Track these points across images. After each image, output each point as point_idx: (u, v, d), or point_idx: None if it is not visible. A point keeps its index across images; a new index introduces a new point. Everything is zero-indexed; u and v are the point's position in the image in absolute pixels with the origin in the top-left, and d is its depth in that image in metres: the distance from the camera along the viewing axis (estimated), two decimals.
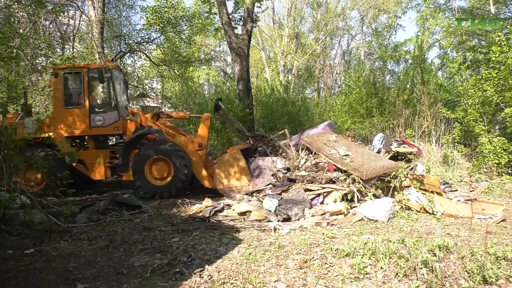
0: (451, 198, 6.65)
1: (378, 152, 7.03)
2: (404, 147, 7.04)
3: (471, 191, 7.46)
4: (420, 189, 6.14)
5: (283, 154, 7.99)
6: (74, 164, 7.94)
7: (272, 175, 7.33)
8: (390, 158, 6.78)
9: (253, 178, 7.82)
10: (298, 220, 5.48)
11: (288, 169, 7.07)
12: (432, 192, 6.19)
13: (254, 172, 7.92)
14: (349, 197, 5.82)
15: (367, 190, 5.86)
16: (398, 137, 8.60)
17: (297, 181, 6.53)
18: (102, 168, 8.05)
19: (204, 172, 7.95)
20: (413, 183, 6.14)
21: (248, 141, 8.87)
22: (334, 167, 6.47)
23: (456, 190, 7.60)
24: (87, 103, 8.03)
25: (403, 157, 6.84)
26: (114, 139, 10.20)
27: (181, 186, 7.60)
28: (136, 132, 7.94)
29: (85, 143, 8.49)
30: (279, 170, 7.17)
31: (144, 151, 7.67)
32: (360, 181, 5.88)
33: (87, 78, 8.05)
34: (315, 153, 7.11)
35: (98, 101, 8.80)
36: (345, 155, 6.39)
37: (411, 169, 6.39)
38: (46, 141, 7.67)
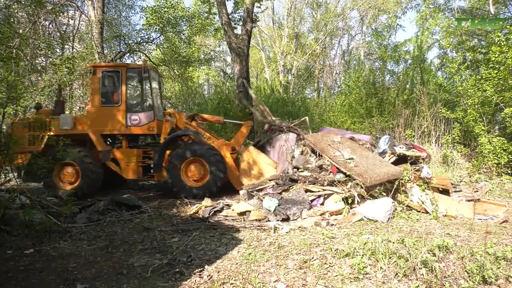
0: (454, 198, 6.63)
1: (383, 152, 6.97)
2: (413, 151, 6.95)
3: (475, 191, 7.44)
4: (426, 183, 6.10)
5: (302, 142, 7.97)
6: (107, 163, 7.98)
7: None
8: (397, 161, 6.71)
9: (276, 161, 7.85)
10: (296, 220, 5.48)
11: (297, 168, 7.06)
12: (440, 189, 6.18)
13: (274, 154, 7.96)
14: (349, 201, 5.80)
15: (368, 197, 5.82)
16: (407, 141, 8.52)
17: (299, 181, 6.52)
18: (134, 167, 8.03)
19: (236, 175, 8.00)
20: (418, 182, 6.11)
21: (263, 128, 8.82)
22: (337, 169, 6.43)
23: (460, 191, 7.59)
24: (124, 102, 8.03)
25: (410, 160, 6.75)
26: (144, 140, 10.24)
27: (216, 188, 7.55)
28: (172, 133, 7.98)
29: (117, 142, 8.46)
30: (290, 162, 7.18)
31: (181, 152, 7.65)
32: (363, 186, 5.84)
33: (125, 77, 8.05)
34: (319, 154, 7.07)
35: (135, 100, 8.86)
36: (350, 159, 6.29)
37: (417, 170, 6.35)
38: (81, 138, 7.82)
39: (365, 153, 6.65)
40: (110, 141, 8.51)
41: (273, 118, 9.07)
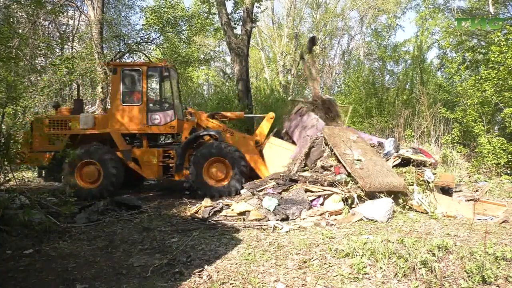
0: (454, 198, 6.62)
1: (388, 154, 6.94)
2: (420, 155, 6.89)
3: (475, 191, 7.43)
4: (427, 183, 6.08)
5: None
6: (127, 162, 7.97)
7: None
8: (401, 163, 6.71)
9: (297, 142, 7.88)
10: (295, 219, 5.48)
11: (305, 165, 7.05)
12: (443, 187, 6.17)
13: (295, 133, 7.98)
14: (349, 202, 5.80)
15: (364, 197, 5.80)
16: (416, 146, 8.45)
17: (299, 181, 6.52)
18: (155, 166, 8.00)
19: (262, 168, 8.00)
20: (419, 182, 6.10)
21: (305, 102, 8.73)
22: (339, 170, 6.42)
23: (460, 191, 7.59)
24: (145, 101, 8.00)
25: (413, 163, 6.71)
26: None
27: (239, 188, 7.53)
28: (192, 132, 7.97)
29: (136, 141, 8.44)
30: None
31: (204, 152, 7.63)
32: (363, 190, 5.84)
33: (146, 76, 8.01)
34: (331, 149, 7.01)
35: (156, 99, 8.78)
36: (358, 160, 6.26)
37: (420, 172, 6.31)
38: (102, 137, 7.84)
39: (375, 158, 6.51)
40: (129, 140, 8.48)
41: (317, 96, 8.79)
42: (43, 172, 8.15)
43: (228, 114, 9.01)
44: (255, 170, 8.03)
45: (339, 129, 7.55)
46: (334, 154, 6.80)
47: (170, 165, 8.03)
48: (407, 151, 6.98)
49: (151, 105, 8.23)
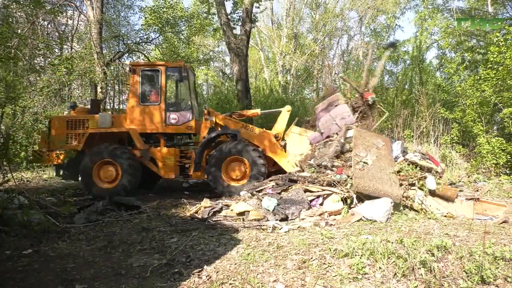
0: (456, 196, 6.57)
1: (396, 158, 6.92)
2: (427, 162, 6.87)
3: (476, 191, 7.43)
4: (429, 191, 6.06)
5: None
6: (145, 162, 8.01)
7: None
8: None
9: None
10: (294, 219, 5.48)
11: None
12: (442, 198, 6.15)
13: (320, 119, 7.94)
14: (348, 201, 5.80)
15: (364, 198, 5.79)
16: (424, 151, 8.39)
17: (298, 181, 6.52)
18: (172, 166, 8.03)
19: (286, 161, 7.99)
20: (420, 187, 6.08)
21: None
22: (342, 171, 6.42)
23: (461, 191, 7.58)
24: (163, 100, 8.04)
25: (420, 168, 6.66)
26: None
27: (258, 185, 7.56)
28: (210, 132, 7.99)
29: (154, 141, 8.48)
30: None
31: (222, 151, 7.66)
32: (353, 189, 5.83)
33: (164, 76, 8.06)
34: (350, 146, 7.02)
35: (174, 99, 8.84)
36: (364, 162, 6.24)
37: (423, 177, 6.28)
38: (120, 136, 7.93)
39: (384, 166, 6.38)
40: (145, 139, 8.52)
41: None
42: (61, 171, 8.18)
43: (245, 112, 9.03)
44: (279, 164, 8.03)
45: (369, 134, 7.52)
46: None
47: (186, 165, 8.09)
48: (414, 155, 6.92)
49: (169, 105, 8.28)
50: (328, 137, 7.67)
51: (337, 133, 7.55)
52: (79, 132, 8.02)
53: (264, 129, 8.47)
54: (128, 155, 7.70)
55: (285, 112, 8.40)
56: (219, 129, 8.22)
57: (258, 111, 9.08)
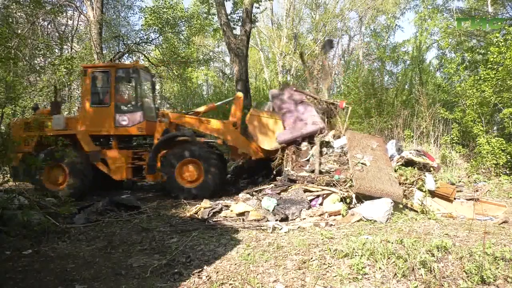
0: (456, 198, 6.58)
1: (392, 157, 6.92)
2: (423, 158, 6.88)
3: (476, 191, 7.42)
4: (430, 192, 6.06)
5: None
6: (96, 164, 7.96)
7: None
8: (404, 164, 6.70)
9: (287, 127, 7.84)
10: (295, 220, 5.48)
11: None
12: (442, 197, 6.14)
13: (287, 118, 7.89)
14: (347, 201, 5.79)
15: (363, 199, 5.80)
16: (419, 148, 8.41)
17: (297, 181, 6.52)
18: (124, 168, 8.00)
19: (249, 146, 7.98)
20: (419, 187, 6.08)
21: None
22: (340, 173, 6.42)
23: (460, 191, 7.58)
24: (112, 102, 8.02)
25: (417, 166, 6.67)
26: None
27: (213, 188, 7.58)
28: (165, 133, 7.96)
29: (109, 142, 8.44)
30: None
31: (177, 153, 7.66)
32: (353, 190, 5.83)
33: (114, 77, 8.04)
34: (346, 149, 7.02)
35: (124, 101, 8.83)
36: (362, 163, 6.23)
37: (423, 176, 6.28)
38: (73, 138, 7.79)
39: (382, 166, 6.39)
40: (102, 141, 8.46)
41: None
42: (17, 173, 8.13)
43: (202, 109, 8.97)
44: (242, 150, 8.01)
45: (362, 135, 7.58)
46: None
47: (143, 166, 8.02)
48: (410, 153, 6.94)
49: (119, 106, 8.23)
50: (299, 139, 7.59)
51: (309, 141, 7.50)
52: (36, 134, 7.91)
53: (221, 120, 8.45)
54: (74, 158, 7.62)
55: (237, 99, 8.34)
56: (174, 130, 8.19)
57: (213, 105, 9.10)
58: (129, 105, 8.48)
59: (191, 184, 7.64)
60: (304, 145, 7.54)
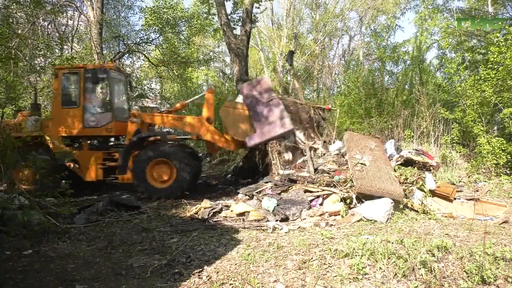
0: (456, 198, 6.59)
1: (391, 156, 6.92)
2: (422, 157, 6.88)
3: (476, 191, 7.42)
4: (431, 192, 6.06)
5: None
6: (68, 164, 7.94)
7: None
8: (403, 164, 6.70)
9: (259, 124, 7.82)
10: (295, 220, 5.48)
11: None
12: (442, 197, 6.13)
13: (261, 119, 7.87)
14: (347, 202, 5.79)
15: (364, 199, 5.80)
16: (419, 148, 8.42)
17: (298, 181, 6.52)
18: (94, 169, 8.03)
19: (223, 139, 8.01)
20: (419, 187, 6.08)
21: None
22: (340, 173, 6.43)
23: (460, 191, 7.58)
24: (81, 103, 8.08)
25: (417, 165, 6.68)
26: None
27: (184, 188, 7.60)
28: (137, 134, 7.94)
29: (82, 143, 8.46)
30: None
31: (147, 153, 7.66)
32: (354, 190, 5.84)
33: (83, 78, 8.09)
34: (344, 150, 7.07)
35: (93, 102, 8.85)
36: (362, 163, 6.23)
37: (422, 176, 6.28)
38: (40, 141, 7.78)
39: (382, 166, 6.38)
40: (76, 142, 8.51)
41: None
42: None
43: (174, 108, 9.00)
44: (218, 143, 8.05)
45: (360, 136, 7.61)
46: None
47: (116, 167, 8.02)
48: (409, 152, 6.95)
49: (88, 107, 8.24)
50: (269, 139, 7.62)
51: (277, 143, 7.53)
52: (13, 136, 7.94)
53: (194, 116, 8.49)
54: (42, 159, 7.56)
55: (208, 95, 8.36)
56: (146, 130, 8.21)
57: (184, 102, 9.17)
58: (98, 106, 8.52)
59: (162, 184, 7.65)
60: (286, 155, 7.67)
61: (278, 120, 7.65)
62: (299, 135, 7.95)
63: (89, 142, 8.39)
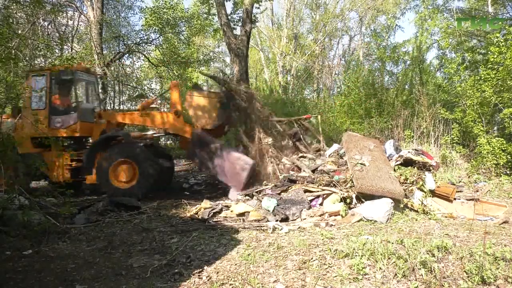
0: (456, 198, 6.58)
1: (390, 156, 6.93)
2: (422, 157, 6.86)
3: (476, 191, 7.42)
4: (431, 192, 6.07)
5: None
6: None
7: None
8: (403, 164, 6.71)
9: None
10: (295, 220, 5.48)
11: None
12: (441, 197, 6.13)
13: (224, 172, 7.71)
14: (347, 201, 5.80)
15: (364, 199, 5.80)
16: (418, 148, 8.42)
17: (297, 181, 6.52)
18: (61, 169, 8.09)
19: (187, 129, 8.01)
20: (419, 187, 6.08)
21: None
22: (340, 174, 6.44)
23: (460, 191, 7.57)
24: (47, 104, 8.18)
25: (416, 165, 6.68)
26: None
27: (146, 190, 7.63)
28: (102, 134, 8.00)
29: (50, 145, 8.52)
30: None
31: (110, 154, 7.70)
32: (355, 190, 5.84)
33: (49, 80, 8.20)
34: (343, 151, 7.10)
35: (59, 103, 8.85)
36: (361, 164, 6.23)
37: (422, 176, 6.28)
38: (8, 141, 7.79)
39: (381, 165, 6.36)
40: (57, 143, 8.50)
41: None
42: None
43: (145, 104, 9.01)
44: (189, 136, 7.96)
45: (359, 137, 7.62)
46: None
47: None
48: (409, 152, 6.95)
49: (54, 108, 8.30)
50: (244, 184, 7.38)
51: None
52: None
53: (162, 111, 8.52)
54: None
55: (173, 88, 8.37)
56: (112, 130, 8.24)
57: (149, 100, 9.24)
58: (63, 107, 8.55)
59: (126, 185, 7.66)
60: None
61: (237, 165, 7.36)
62: (284, 161, 7.89)
63: (59, 143, 8.40)
